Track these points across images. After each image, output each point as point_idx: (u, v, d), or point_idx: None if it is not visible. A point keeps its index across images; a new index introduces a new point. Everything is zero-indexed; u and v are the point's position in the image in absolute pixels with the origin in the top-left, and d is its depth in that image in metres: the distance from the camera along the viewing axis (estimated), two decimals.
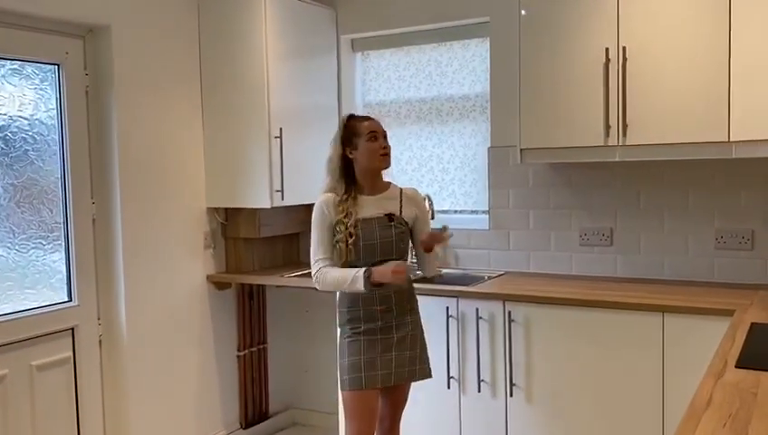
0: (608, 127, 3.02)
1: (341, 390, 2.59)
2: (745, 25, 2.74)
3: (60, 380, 3.11)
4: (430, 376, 2.71)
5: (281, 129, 3.55)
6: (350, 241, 2.49)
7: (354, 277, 2.41)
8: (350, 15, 3.97)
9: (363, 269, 2.41)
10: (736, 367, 1.87)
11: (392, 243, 2.56)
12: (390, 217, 2.58)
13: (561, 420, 2.97)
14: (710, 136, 2.86)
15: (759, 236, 3.14)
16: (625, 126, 2.99)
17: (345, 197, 2.57)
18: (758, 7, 2.68)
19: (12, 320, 2.90)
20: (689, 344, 2.69)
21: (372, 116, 2.68)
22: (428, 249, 2.66)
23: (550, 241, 3.56)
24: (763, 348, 2.06)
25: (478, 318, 3.10)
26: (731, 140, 2.82)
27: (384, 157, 2.59)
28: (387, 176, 2.71)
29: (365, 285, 2.39)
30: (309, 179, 3.67)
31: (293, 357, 4.19)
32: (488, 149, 3.68)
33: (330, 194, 2.59)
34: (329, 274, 2.50)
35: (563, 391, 2.96)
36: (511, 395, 3.05)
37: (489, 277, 3.46)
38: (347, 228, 2.50)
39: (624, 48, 2.96)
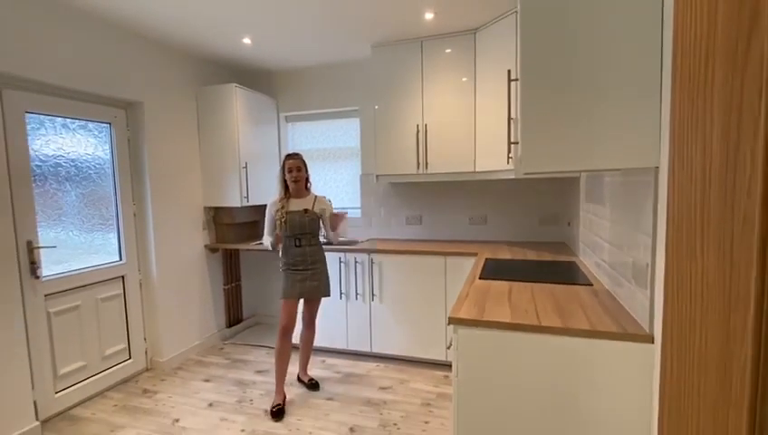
0: (418, 164, 3.13)
1: (280, 299, 2.57)
2: (482, 111, 2.94)
3: (115, 307, 2.85)
4: (329, 295, 2.70)
5: (246, 163, 3.40)
6: (283, 221, 2.49)
7: (268, 245, 2.59)
8: (285, 103, 3.85)
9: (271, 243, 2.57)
10: (479, 279, 2.00)
11: (305, 224, 2.54)
12: (306, 211, 2.56)
13: (398, 312, 3.06)
14: (465, 168, 3.03)
15: (489, 218, 3.38)
16: (426, 163, 3.11)
17: (282, 198, 2.55)
18: (488, 104, 2.89)
19: (85, 272, 2.64)
20: (457, 271, 2.86)
21: (298, 154, 2.60)
22: (334, 227, 2.69)
23: (391, 222, 3.63)
24: (491, 270, 2.21)
25: (356, 262, 3.14)
26: (476, 170, 3.01)
27: (294, 183, 2.55)
28: (313, 189, 2.68)
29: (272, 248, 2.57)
30: (261, 190, 3.56)
31: (255, 287, 4.03)
32: (360, 175, 3.69)
33: (275, 198, 2.56)
34: (267, 243, 2.57)
35: (399, 297, 3.05)
36: (373, 300, 3.11)
37: (361, 242, 3.48)
38: (282, 216, 2.49)
39: (426, 124, 3.09)
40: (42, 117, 2.42)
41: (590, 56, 1.28)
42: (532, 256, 2.63)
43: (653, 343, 1.28)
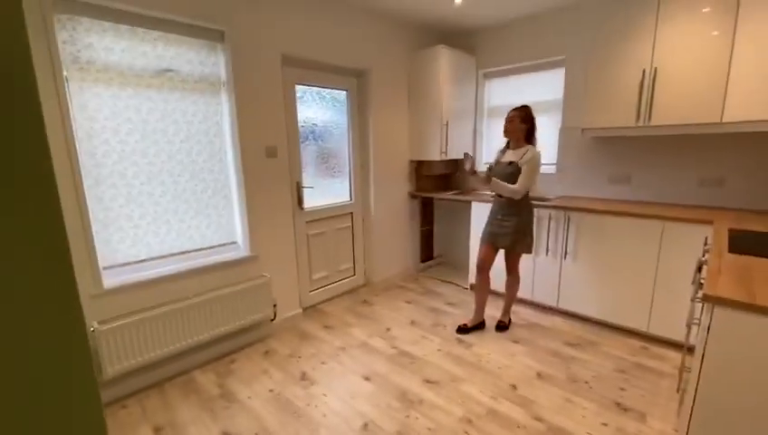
0: (638, 115, 2.53)
1: None
2: (745, 45, 2.11)
3: (346, 235, 3.30)
4: (528, 252, 2.53)
5: (447, 121, 3.37)
6: (489, 168, 2.45)
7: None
8: (484, 60, 3.59)
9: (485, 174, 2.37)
10: (729, 252, 1.54)
11: (505, 176, 2.39)
12: (510, 163, 2.40)
13: (593, 273, 2.69)
14: (707, 118, 2.30)
15: (728, 180, 2.56)
16: (650, 114, 2.49)
17: (502, 150, 2.51)
18: (758, 34, 2.04)
19: (327, 208, 3.09)
20: (677, 241, 2.30)
21: (523, 107, 2.40)
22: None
23: (588, 180, 3.12)
24: (743, 244, 1.69)
25: (549, 218, 2.84)
26: (722, 121, 2.26)
27: (504, 133, 2.42)
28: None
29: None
30: (457, 145, 3.50)
31: (445, 231, 4.12)
32: (560, 129, 3.22)
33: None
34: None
35: (597, 259, 2.66)
36: (565, 258, 2.80)
37: (552, 199, 3.11)
38: (492, 164, 2.49)
39: (656, 68, 2.43)
40: (303, 88, 2.84)
41: None
42: None
43: None
